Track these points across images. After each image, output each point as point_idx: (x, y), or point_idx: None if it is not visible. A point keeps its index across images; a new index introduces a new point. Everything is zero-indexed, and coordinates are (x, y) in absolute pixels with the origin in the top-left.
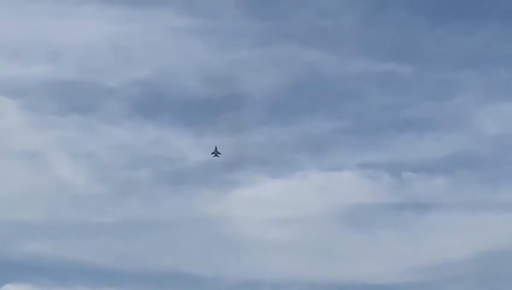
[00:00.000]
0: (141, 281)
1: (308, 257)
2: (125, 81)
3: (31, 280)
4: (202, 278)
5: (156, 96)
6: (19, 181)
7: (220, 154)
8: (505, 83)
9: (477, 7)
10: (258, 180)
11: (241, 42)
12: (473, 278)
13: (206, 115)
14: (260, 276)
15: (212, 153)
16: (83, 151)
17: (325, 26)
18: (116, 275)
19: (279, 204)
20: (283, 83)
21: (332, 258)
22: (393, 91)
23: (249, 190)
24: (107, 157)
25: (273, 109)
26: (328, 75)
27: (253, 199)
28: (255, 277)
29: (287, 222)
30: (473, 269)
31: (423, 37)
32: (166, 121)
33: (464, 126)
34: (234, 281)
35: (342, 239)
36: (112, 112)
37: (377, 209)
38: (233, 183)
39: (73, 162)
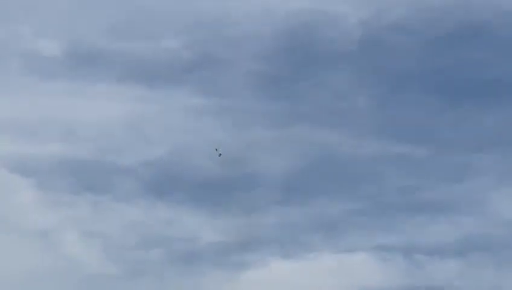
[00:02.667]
0: None
1: None
2: (138, 160)
3: None
4: None
5: (170, 175)
6: (30, 260)
7: (220, 154)
8: None
9: (492, 90)
10: (270, 261)
11: (256, 122)
12: None
13: (219, 195)
14: None
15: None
16: (95, 231)
17: (340, 107)
18: None
19: (291, 286)
20: (297, 164)
21: None
22: (408, 173)
23: (261, 271)
24: (119, 236)
25: (287, 189)
26: (343, 156)
27: (265, 280)
28: None
29: None
30: None
31: (438, 119)
32: (179, 200)
33: (478, 209)
34: None
35: None
36: (125, 191)
37: None
38: (246, 264)
39: (85, 241)
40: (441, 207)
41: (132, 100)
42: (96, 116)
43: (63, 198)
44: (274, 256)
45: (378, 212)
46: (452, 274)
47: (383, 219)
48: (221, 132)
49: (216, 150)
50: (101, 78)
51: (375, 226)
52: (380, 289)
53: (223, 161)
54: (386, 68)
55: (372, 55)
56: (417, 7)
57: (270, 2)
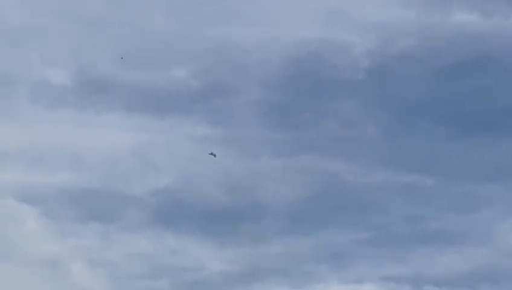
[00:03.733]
0: None
1: None
2: (146, 189)
3: None
4: None
5: (177, 205)
6: (38, 289)
7: (215, 155)
8: None
9: (501, 119)
10: None
11: (263, 151)
12: None
13: (226, 224)
14: None
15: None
16: (102, 260)
17: (347, 136)
18: None
19: None
20: (304, 193)
21: None
22: (416, 203)
23: None
24: (126, 266)
25: (294, 219)
26: (350, 185)
27: None
28: None
29: None
30: None
31: (446, 148)
32: (186, 230)
33: (487, 240)
34: None
35: None
36: (132, 221)
37: None
38: None
39: (92, 270)
40: (449, 237)
41: (140, 129)
42: (104, 145)
43: (70, 227)
44: (281, 286)
45: (386, 242)
46: None
47: (390, 249)
48: (228, 160)
49: (211, 154)
50: (109, 107)
51: (382, 257)
52: None
53: (230, 190)
54: (393, 97)
55: (380, 85)
56: (425, 36)
57: (278, 30)
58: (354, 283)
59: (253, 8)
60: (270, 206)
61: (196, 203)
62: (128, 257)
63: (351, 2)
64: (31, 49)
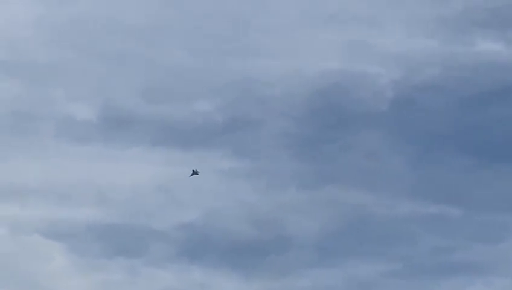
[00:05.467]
0: None
1: None
2: (172, 224)
3: None
4: None
5: (203, 239)
6: None
7: (198, 172)
8: None
9: None
10: None
11: (288, 184)
12: None
13: (252, 258)
14: None
15: (193, 172)
16: None
17: (372, 168)
18: None
19: None
20: (330, 225)
21: None
22: (443, 234)
23: None
24: None
25: (320, 252)
26: (375, 217)
27: None
28: None
29: None
30: None
31: (472, 179)
32: (212, 264)
33: None
34: None
35: None
36: (158, 255)
37: None
38: None
39: None
40: (477, 268)
41: (165, 163)
42: (129, 180)
43: (97, 263)
44: None
45: (414, 274)
46: None
47: (418, 281)
48: (253, 194)
49: (194, 171)
50: (134, 141)
51: (410, 288)
52: None
53: (256, 223)
54: (418, 128)
55: (405, 115)
56: (449, 66)
57: (301, 62)
58: None
59: (275, 41)
60: (297, 239)
61: (222, 237)
62: None
63: (372, 33)
64: (55, 85)
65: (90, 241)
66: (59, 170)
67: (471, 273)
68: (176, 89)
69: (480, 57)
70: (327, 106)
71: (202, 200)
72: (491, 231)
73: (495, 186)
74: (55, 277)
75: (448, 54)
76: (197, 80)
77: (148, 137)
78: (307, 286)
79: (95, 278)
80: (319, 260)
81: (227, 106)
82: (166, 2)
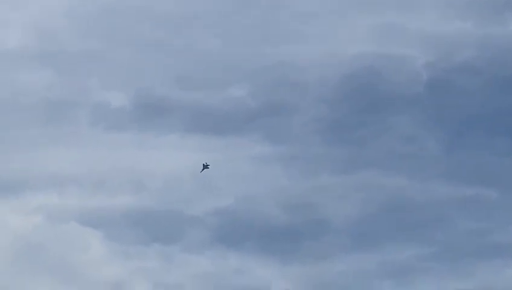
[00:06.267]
0: None
1: None
2: (207, 210)
3: None
4: None
5: (238, 224)
6: None
7: (209, 166)
8: None
9: None
10: None
11: (323, 169)
12: None
13: (288, 243)
14: None
15: (204, 166)
16: (165, 281)
17: (407, 151)
18: None
19: None
20: (366, 209)
21: None
22: (479, 216)
23: None
24: (189, 287)
25: (356, 236)
26: (411, 201)
27: None
28: None
29: None
30: None
31: (509, 160)
32: (248, 249)
33: None
34: None
35: None
36: (194, 241)
37: None
38: None
39: None
40: None
41: (199, 149)
42: (164, 167)
43: (133, 249)
44: None
45: (451, 257)
46: None
47: (455, 264)
48: (287, 179)
49: (204, 165)
50: (168, 128)
51: (447, 272)
52: None
53: (291, 208)
54: (454, 110)
55: (440, 98)
56: (484, 47)
57: (335, 47)
58: None
59: (308, 26)
60: (332, 224)
61: (258, 222)
62: (192, 277)
63: (406, 15)
64: (89, 73)
65: (127, 229)
66: (94, 158)
67: (508, 255)
68: (210, 76)
69: None
70: (361, 89)
71: (237, 186)
72: None
73: None
74: (92, 264)
75: (483, 35)
76: (230, 66)
77: (182, 124)
78: (343, 271)
79: (132, 264)
80: (355, 245)
81: (260, 91)
82: None
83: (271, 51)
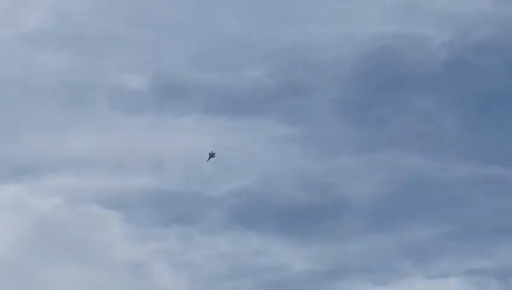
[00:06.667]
0: None
1: None
2: (226, 190)
3: None
4: None
5: (257, 205)
6: None
7: (214, 154)
8: None
9: None
10: (361, 288)
11: (341, 149)
12: None
13: (307, 223)
14: None
15: (210, 155)
16: (185, 262)
17: (427, 130)
18: None
19: None
20: (385, 189)
21: None
22: (499, 195)
23: None
24: (208, 267)
25: (375, 215)
26: (431, 180)
27: None
28: None
29: None
30: None
31: None
32: (267, 230)
33: None
34: None
35: None
36: (213, 222)
37: None
38: None
39: (175, 273)
40: None
41: (217, 131)
42: (182, 148)
43: (152, 231)
44: (365, 283)
45: (470, 236)
46: None
47: (475, 243)
48: (306, 159)
49: (210, 154)
50: (186, 110)
51: (467, 251)
52: None
53: (310, 188)
54: (472, 89)
55: (458, 77)
56: (502, 26)
57: (352, 26)
58: (439, 278)
59: (326, 6)
60: (351, 204)
61: (276, 202)
62: (210, 258)
63: None
64: (107, 55)
65: (146, 210)
66: (113, 140)
67: None
68: (227, 57)
69: None
70: (379, 69)
71: (255, 167)
72: None
73: None
74: (112, 246)
75: (501, 13)
76: (248, 47)
77: (200, 105)
78: (363, 250)
79: (151, 246)
80: (375, 224)
81: (278, 72)
82: None
83: (289, 31)
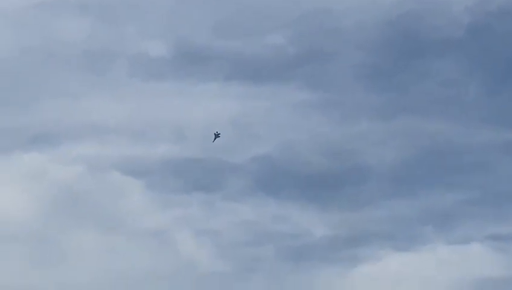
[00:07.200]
0: None
1: None
2: (247, 157)
3: None
4: None
5: (279, 172)
6: (144, 260)
7: (219, 135)
8: None
9: None
10: (382, 255)
11: (363, 115)
12: None
13: (328, 189)
14: None
15: (215, 135)
16: (207, 229)
17: (448, 96)
18: None
19: (405, 279)
20: (405, 155)
21: None
22: None
23: (373, 265)
24: (230, 234)
25: (396, 182)
26: (453, 146)
27: (378, 275)
28: None
29: None
30: None
31: None
32: (289, 196)
33: None
34: None
35: None
36: (235, 189)
37: (508, 283)
38: (357, 258)
39: (197, 240)
40: None
41: (239, 98)
42: (204, 115)
43: (174, 198)
44: (386, 249)
45: (492, 201)
46: None
47: (497, 208)
48: (327, 125)
49: (215, 134)
50: (207, 77)
51: (489, 216)
52: (496, 279)
53: (332, 154)
54: (494, 54)
55: (481, 42)
56: None
57: None
58: (461, 244)
59: None
60: (373, 170)
61: (298, 169)
62: (232, 225)
63: None
64: (127, 22)
65: (167, 177)
66: (134, 108)
67: None
68: (248, 23)
69: None
70: (401, 34)
71: (277, 133)
72: None
73: None
74: (135, 213)
75: None
76: (269, 13)
77: (221, 72)
78: (384, 217)
79: (173, 213)
80: (396, 190)
81: (299, 38)
82: None
83: None
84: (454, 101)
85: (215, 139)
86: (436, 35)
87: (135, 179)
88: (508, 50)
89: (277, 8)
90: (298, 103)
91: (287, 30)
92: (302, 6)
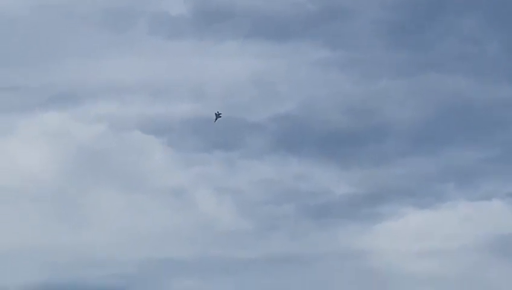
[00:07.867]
0: None
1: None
2: (268, 116)
3: None
4: None
5: (299, 130)
6: (164, 218)
7: (221, 115)
8: None
9: None
10: (403, 212)
11: (383, 73)
12: None
13: (349, 147)
14: None
15: (216, 116)
16: (227, 187)
17: (470, 53)
18: None
19: (426, 236)
20: (427, 112)
21: None
22: None
23: (394, 222)
24: (251, 192)
25: (417, 139)
26: (473, 103)
27: (400, 231)
28: None
29: (435, 253)
30: None
31: None
32: (309, 154)
33: None
34: None
35: (492, 270)
36: (256, 148)
37: None
38: (379, 216)
39: (217, 198)
40: None
41: (260, 56)
42: (225, 74)
43: (195, 156)
44: (407, 207)
45: (511, 159)
46: None
47: None
48: (348, 83)
49: (216, 114)
50: (228, 35)
51: (509, 173)
52: None
53: (352, 112)
54: None
55: None
56: None
57: None
58: (482, 200)
59: None
60: (393, 127)
61: (318, 127)
62: (253, 183)
63: None
64: None
65: (188, 136)
66: (155, 66)
67: None
68: None
69: None
70: None
71: (297, 92)
72: None
73: None
74: (156, 171)
75: None
76: None
77: (242, 30)
78: (406, 174)
79: (193, 171)
80: (417, 148)
81: None
82: None
83: None
84: (476, 59)
85: (216, 119)
86: None
87: (156, 138)
88: None
89: None
90: (319, 61)
91: None
92: None
